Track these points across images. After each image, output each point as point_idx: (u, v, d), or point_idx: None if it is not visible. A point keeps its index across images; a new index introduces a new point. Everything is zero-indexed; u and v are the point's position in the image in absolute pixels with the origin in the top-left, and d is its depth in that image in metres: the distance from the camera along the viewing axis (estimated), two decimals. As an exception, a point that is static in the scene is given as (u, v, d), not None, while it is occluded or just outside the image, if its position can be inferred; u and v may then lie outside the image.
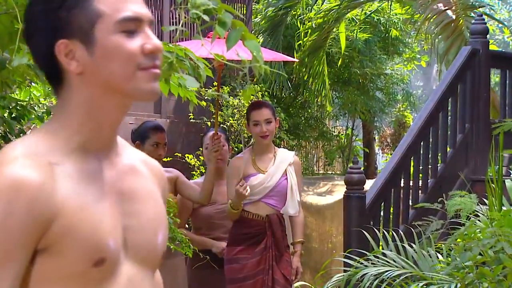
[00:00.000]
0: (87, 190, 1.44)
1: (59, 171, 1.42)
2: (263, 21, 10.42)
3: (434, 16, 8.19)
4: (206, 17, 1.62)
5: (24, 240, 1.37)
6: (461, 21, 8.02)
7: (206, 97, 7.88)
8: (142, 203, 1.53)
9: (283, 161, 4.94)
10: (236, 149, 8.02)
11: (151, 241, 1.53)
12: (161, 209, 1.59)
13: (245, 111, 6.14)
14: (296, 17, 10.69)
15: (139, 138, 4.85)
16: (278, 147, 5.20)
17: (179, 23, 1.73)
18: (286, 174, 4.93)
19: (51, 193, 1.40)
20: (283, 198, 4.90)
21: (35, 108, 3.88)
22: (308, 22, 10.27)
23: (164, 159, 5.18)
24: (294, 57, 9.61)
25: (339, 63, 10.90)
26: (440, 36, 8.30)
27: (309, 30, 10.08)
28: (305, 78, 10.17)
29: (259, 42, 9.85)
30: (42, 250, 1.40)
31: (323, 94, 9.99)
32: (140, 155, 1.63)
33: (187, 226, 5.41)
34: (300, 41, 10.18)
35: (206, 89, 7.56)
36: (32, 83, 3.77)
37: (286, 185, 4.90)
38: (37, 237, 1.39)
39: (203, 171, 7.89)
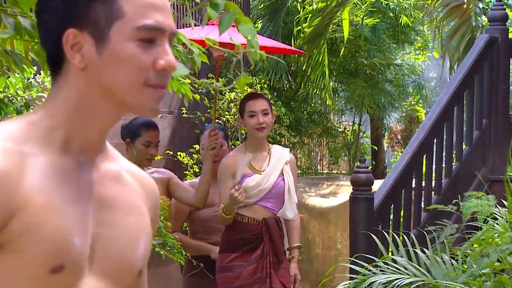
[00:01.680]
0: (58, 189, 1.42)
1: (31, 163, 1.40)
2: (262, 5, 10.40)
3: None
4: (196, -2, 1.60)
5: None
6: (471, 5, 8.02)
7: (199, 90, 7.88)
8: (121, 213, 1.51)
9: (279, 159, 4.93)
10: (233, 146, 8.01)
11: (123, 255, 1.50)
12: (144, 225, 1.56)
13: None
14: (297, 1, 10.66)
15: (129, 135, 4.82)
16: (279, 144, 5.19)
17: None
18: (283, 174, 4.92)
19: (16, 184, 1.37)
20: (280, 200, 4.89)
21: (13, 101, 3.87)
22: (309, 6, 10.25)
23: (155, 157, 5.17)
24: (292, 45, 9.60)
25: (342, 52, 10.86)
26: (445, 21, 8.30)
27: (310, 15, 10.05)
28: (304, 68, 10.15)
29: (257, 28, 9.83)
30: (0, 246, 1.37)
31: (322, 86, 9.96)
32: (131, 167, 1.61)
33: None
34: (300, 27, 10.15)
35: (198, 80, 7.55)
36: (10, 71, 3.75)
37: (283, 186, 4.89)
38: None
39: (197, 170, 7.88)
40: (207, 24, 4.02)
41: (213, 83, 1.81)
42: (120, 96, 1.44)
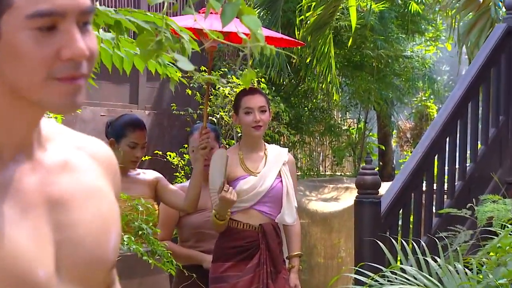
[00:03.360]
0: (1, 210, 1.35)
1: None
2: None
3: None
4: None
5: None
6: (490, -6, 8.04)
7: (191, 84, 7.88)
8: (79, 208, 1.46)
9: (276, 160, 4.93)
10: (227, 146, 8.03)
11: (93, 256, 1.47)
12: (109, 208, 1.52)
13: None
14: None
15: (113, 134, 4.82)
16: (278, 144, 5.20)
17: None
18: (281, 176, 4.92)
19: None
20: (278, 204, 4.89)
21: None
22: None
23: (142, 158, 5.18)
24: (295, 36, 9.60)
25: (350, 43, 10.88)
26: (462, 12, 8.31)
27: (313, 4, 10.06)
28: (308, 61, 10.15)
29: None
30: None
31: (328, 80, 9.98)
32: (77, 140, 1.54)
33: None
34: (302, 16, 10.16)
35: (190, 74, 7.56)
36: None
37: (281, 189, 4.90)
38: None
39: (188, 172, 7.89)
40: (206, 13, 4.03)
41: (218, 79, 1.80)
42: (25, 95, 1.37)
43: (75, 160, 1.50)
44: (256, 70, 9.00)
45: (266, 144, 5.07)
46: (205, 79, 2.93)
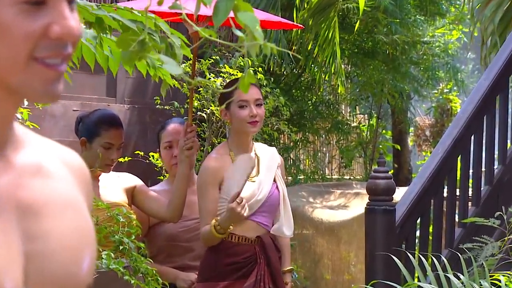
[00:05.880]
0: None
1: None
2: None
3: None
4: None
5: None
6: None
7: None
8: (53, 218, 1.48)
9: (271, 162, 4.92)
10: (217, 145, 8.02)
11: (66, 272, 1.48)
12: (85, 223, 1.54)
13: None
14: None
15: (86, 133, 4.80)
16: (277, 143, 5.18)
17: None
18: (275, 181, 4.92)
19: None
20: (273, 214, 4.87)
21: None
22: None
23: (120, 159, 5.16)
24: (294, 19, 9.60)
25: (357, 27, 10.88)
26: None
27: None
28: (309, 47, 10.14)
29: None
30: None
31: (332, 70, 9.96)
32: (51, 147, 1.58)
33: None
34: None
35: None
36: None
37: (278, 196, 4.89)
38: None
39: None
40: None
41: (219, 88, 1.81)
42: (5, 76, 1.41)
43: (50, 166, 1.53)
44: (252, 59, 8.98)
45: (254, 143, 5.03)
46: (203, 83, 2.93)
